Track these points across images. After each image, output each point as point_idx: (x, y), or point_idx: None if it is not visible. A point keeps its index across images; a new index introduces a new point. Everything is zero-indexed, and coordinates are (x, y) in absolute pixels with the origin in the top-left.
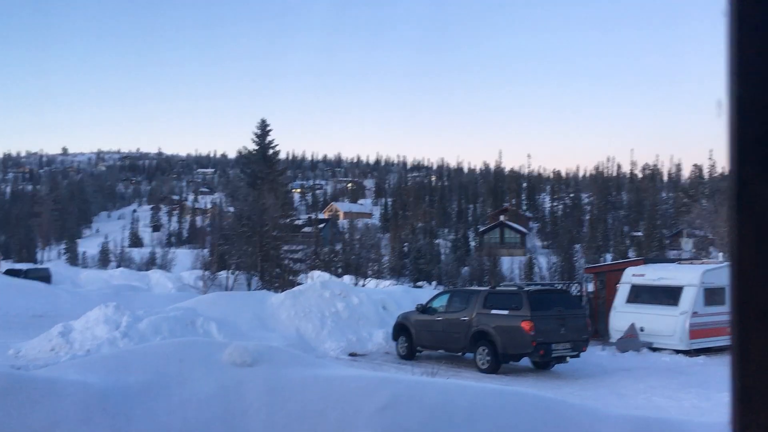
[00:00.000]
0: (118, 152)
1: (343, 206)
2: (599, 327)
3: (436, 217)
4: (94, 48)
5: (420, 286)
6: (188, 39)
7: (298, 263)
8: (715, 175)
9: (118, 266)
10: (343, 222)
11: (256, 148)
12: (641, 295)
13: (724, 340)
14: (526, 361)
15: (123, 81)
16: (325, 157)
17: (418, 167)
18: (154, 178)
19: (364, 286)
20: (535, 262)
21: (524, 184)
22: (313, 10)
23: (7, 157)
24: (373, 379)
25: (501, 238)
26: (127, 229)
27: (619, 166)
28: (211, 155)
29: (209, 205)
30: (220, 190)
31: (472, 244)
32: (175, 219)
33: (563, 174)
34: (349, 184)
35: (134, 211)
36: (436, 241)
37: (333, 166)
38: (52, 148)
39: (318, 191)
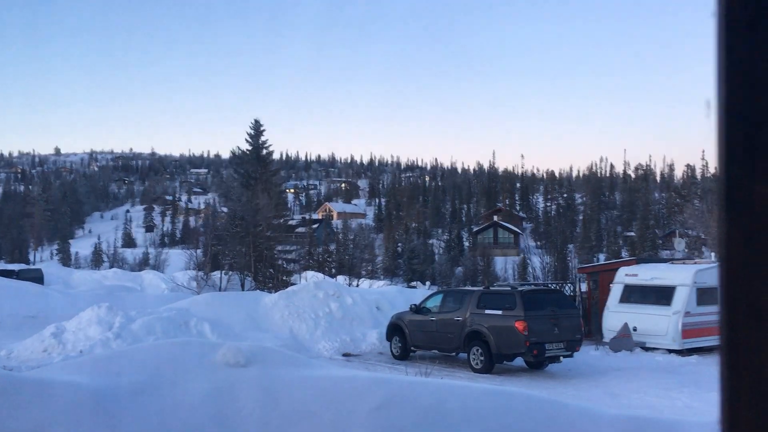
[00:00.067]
0: (111, 152)
1: (336, 206)
2: (592, 327)
3: (429, 218)
4: (86, 48)
5: (414, 286)
6: (181, 39)
7: (291, 263)
8: (708, 175)
9: (111, 267)
10: (336, 222)
11: (250, 148)
12: (634, 294)
13: (716, 340)
14: (519, 361)
15: (116, 81)
16: (318, 157)
17: (411, 167)
18: (147, 179)
19: (357, 286)
20: (528, 262)
21: (518, 185)
22: (306, 10)
23: None
24: (367, 379)
25: (494, 238)
26: (120, 230)
27: (612, 167)
28: (205, 155)
29: (202, 206)
30: (214, 190)
31: (466, 244)
32: (168, 219)
33: (557, 174)
34: (343, 185)
35: (127, 211)
36: (430, 241)
37: (326, 167)
38: (44, 149)
39: (311, 191)
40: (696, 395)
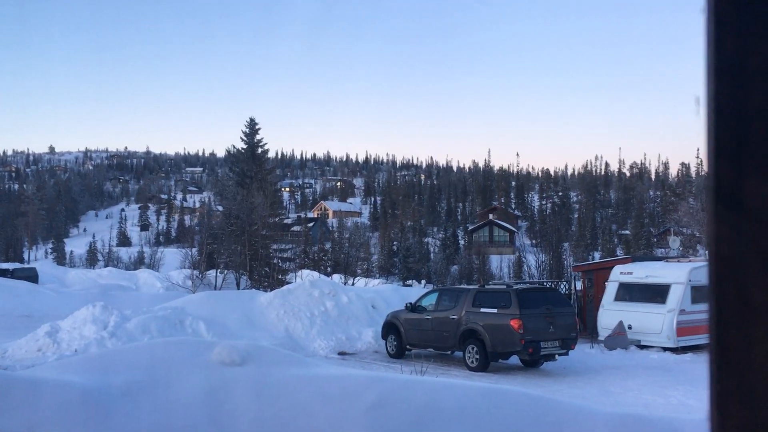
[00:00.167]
0: (106, 151)
1: (332, 205)
2: (588, 325)
3: (425, 216)
4: (80, 46)
5: (409, 285)
6: (177, 37)
7: (287, 262)
8: (702, 173)
9: (106, 266)
10: (332, 221)
11: (245, 146)
12: (629, 293)
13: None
14: (515, 360)
15: (110, 79)
16: (314, 155)
17: (407, 166)
18: (142, 177)
19: (353, 284)
20: (523, 260)
21: (513, 183)
22: (301, 9)
23: None
24: (363, 378)
25: (490, 236)
26: (115, 229)
27: (607, 165)
28: (200, 154)
29: (198, 204)
30: (209, 188)
31: (461, 242)
32: (163, 218)
33: (552, 172)
34: (339, 183)
35: (122, 210)
36: (426, 240)
37: (322, 165)
38: (38, 147)
39: (307, 190)
40: (690, 393)
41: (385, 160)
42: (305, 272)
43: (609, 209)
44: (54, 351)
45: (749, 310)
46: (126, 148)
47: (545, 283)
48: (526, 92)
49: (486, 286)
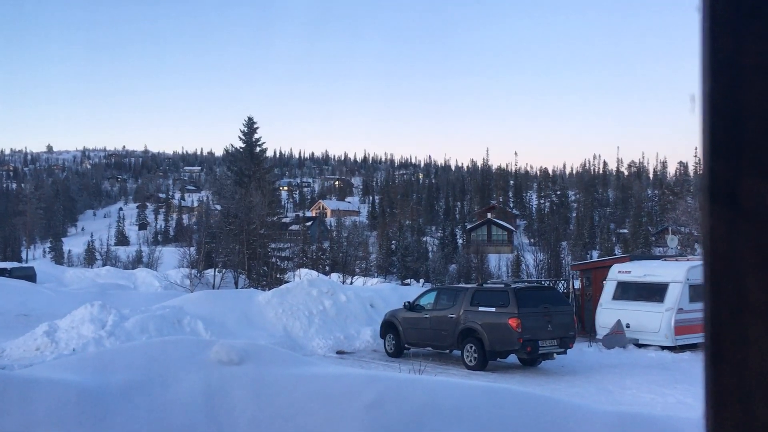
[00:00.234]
0: (104, 150)
1: (330, 204)
2: (586, 324)
3: (423, 215)
4: (78, 45)
5: (407, 284)
6: (175, 36)
7: (285, 261)
8: (700, 172)
9: (104, 265)
10: (330, 220)
11: (243, 145)
12: (627, 291)
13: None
14: (513, 358)
15: (108, 78)
16: (312, 154)
17: (405, 165)
18: (141, 176)
19: (351, 283)
20: (522, 259)
21: (511, 182)
22: (299, 7)
23: None
24: (361, 377)
25: (488, 235)
26: (113, 228)
27: (605, 164)
28: (198, 153)
29: (196, 203)
30: (207, 188)
31: (460, 241)
32: (161, 217)
33: (550, 171)
34: (337, 182)
35: (120, 209)
36: (424, 239)
37: (320, 164)
38: (36, 146)
39: (305, 189)
40: (688, 391)
41: (383, 159)
42: (303, 271)
43: (607, 208)
44: (52, 350)
45: (744, 309)
46: (124, 147)
47: (543, 282)
48: (524, 91)
49: (484, 285)
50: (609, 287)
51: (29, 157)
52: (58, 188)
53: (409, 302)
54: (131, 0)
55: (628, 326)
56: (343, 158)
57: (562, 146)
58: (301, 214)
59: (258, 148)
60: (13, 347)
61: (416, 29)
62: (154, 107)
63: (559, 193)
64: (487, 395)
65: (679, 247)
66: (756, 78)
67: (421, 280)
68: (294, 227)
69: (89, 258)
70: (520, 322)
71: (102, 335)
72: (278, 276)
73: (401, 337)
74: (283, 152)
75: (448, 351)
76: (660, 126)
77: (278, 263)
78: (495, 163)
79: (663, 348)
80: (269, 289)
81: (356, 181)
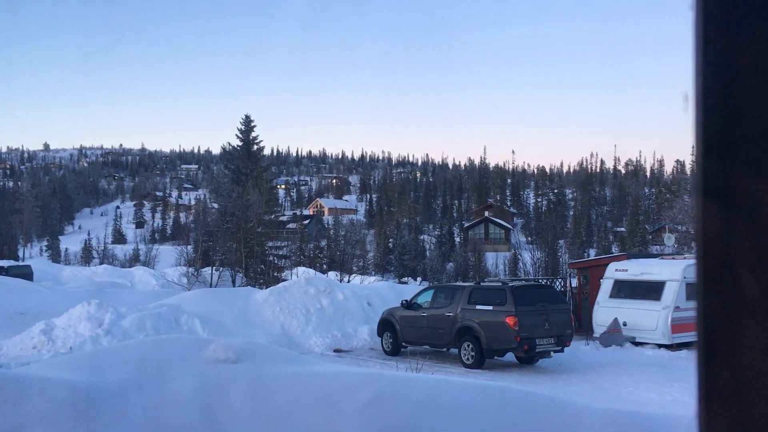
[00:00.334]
0: (101, 148)
1: (327, 202)
2: (583, 322)
3: (421, 213)
4: (75, 43)
5: (405, 282)
6: (172, 34)
7: (282, 259)
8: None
9: (101, 263)
10: (327, 218)
11: (240, 143)
12: (624, 290)
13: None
14: (510, 357)
15: (105, 76)
16: (309, 153)
17: (403, 163)
18: (138, 174)
19: (349, 282)
20: (519, 257)
21: (509, 180)
22: (296, 6)
23: None
24: (358, 375)
25: (486, 233)
26: (110, 226)
27: (602, 162)
28: (195, 151)
29: (193, 202)
30: (204, 186)
31: (457, 239)
32: (158, 215)
33: (547, 170)
34: (334, 180)
35: (117, 207)
36: (421, 237)
37: (318, 162)
38: (33, 144)
39: (303, 187)
40: (685, 390)
41: (380, 158)
42: (301, 269)
43: (604, 206)
44: (49, 349)
45: (737, 307)
46: (121, 145)
47: (541, 281)
48: (521, 90)
49: (481, 284)
50: (606, 285)
51: (26, 155)
52: (55, 186)
53: (406, 300)
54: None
55: (625, 324)
56: (340, 156)
57: (559, 145)
58: (298, 213)
59: (255, 147)
60: (10, 346)
61: (414, 28)
62: (151, 105)
63: (556, 191)
64: (484, 393)
65: (675, 246)
66: (749, 76)
67: (419, 279)
68: (291, 225)
69: (86, 256)
70: (518, 321)
71: (99, 334)
72: (276, 274)
73: (398, 336)
74: (280, 150)
75: (445, 349)
76: (657, 124)
77: (276, 261)
78: (492, 162)
79: (660, 346)
80: (267, 288)
81: (353, 179)
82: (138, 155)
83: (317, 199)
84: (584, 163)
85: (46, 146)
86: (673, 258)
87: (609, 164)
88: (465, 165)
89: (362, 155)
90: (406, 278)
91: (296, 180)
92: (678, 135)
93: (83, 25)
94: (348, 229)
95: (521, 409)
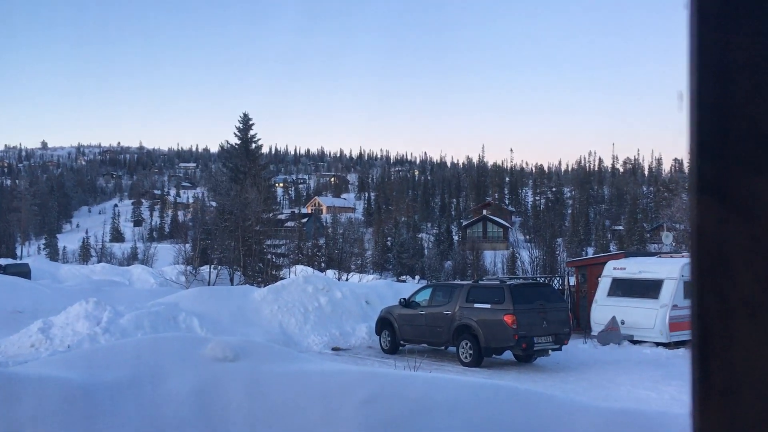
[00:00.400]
0: (99, 146)
1: (326, 200)
2: (581, 320)
3: (419, 212)
4: (72, 41)
5: (403, 281)
6: (170, 32)
7: (281, 258)
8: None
9: (99, 261)
10: (326, 216)
11: (239, 142)
12: (622, 288)
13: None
14: (508, 355)
15: (103, 74)
16: (308, 151)
17: (401, 161)
18: (136, 173)
19: (347, 280)
20: (517, 255)
21: (507, 179)
22: (294, 4)
23: None
24: (356, 373)
25: (484, 232)
26: (108, 224)
27: (600, 161)
28: (193, 149)
29: (191, 200)
30: (202, 184)
31: (455, 238)
32: (156, 214)
33: (545, 168)
34: (332, 179)
35: (115, 205)
36: (420, 236)
37: (316, 161)
38: (30, 142)
39: (301, 185)
40: (683, 388)
41: (378, 156)
42: (299, 268)
43: (602, 205)
44: (47, 347)
45: (732, 306)
46: (119, 143)
47: (539, 279)
48: (519, 88)
49: (479, 282)
50: (604, 284)
51: (24, 153)
52: (53, 185)
53: (404, 299)
54: None
55: (623, 323)
56: (338, 155)
57: (557, 143)
58: (296, 211)
59: (253, 145)
60: (7, 344)
61: (412, 26)
62: (149, 104)
63: (554, 189)
64: (482, 391)
65: (674, 244)
66: (743, 74)
67: (417, 277)
68: (289, 224)
69: (84, 254)
70: (516, 319)
71: (97, 332)
72: (274, 273)
73: (397, 334)
74: (278, 149)
75: (443, 348)
76: (655, 123)
77: (274, 260)
78: (490, 160)
79: (658, 344)
80: (265, 286)
81: (352, 177)
82: (136, 153)
83: (315, 197)
84: (582, 162)
85: (44, 144)
86: (671, 256)
87: (607, 163)
88: (463, 163)
89: (360, 153)
90: (404, 277)
91: (294, 178)
92: (676, 133)
93: (81, 23)
94: (346, 227)
95: (519, 407)
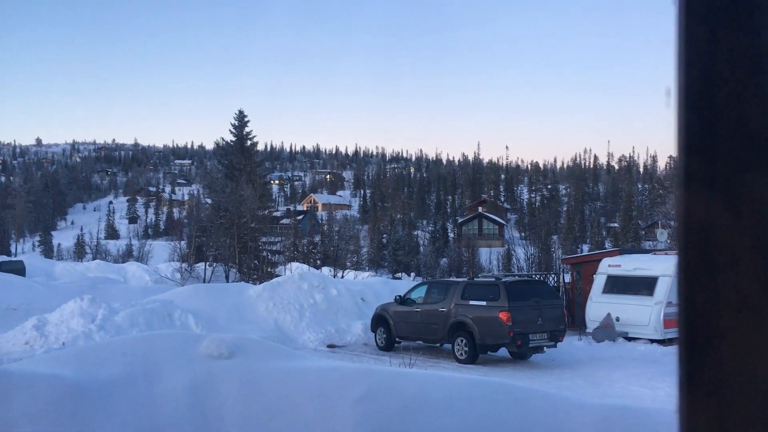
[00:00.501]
0: (94, 143)
1: (321, 198)
2: (576, 317)
3: (414, 209)
4: (68, 38)
5: (398, 278)
6: (165, 29)
7: (276, 255)
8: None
9: (94, 258)
10: (321, 213)
11: (234, 139)
12: (617, 285)
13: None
14: (503, 352)
15: (98, 71)
16: (303, 148)
17: (396, 158)
18: (131, 170)
19: (342, 277)
20: (512, 253)
21: (502, 176)
22: (290, 1)
23: None
24: (352, 370)
25: (479, 229)
26: (103, 221)
27: (596, 158)
28: (189, 146)
29: (186, 197)
30: (198, 181)
31: (451, 235)
32: (151, 211)
33: (541, 165)
34: (328, 176)
35: (110, 202)
36: (415, 233)
37: (311, 158)
38: (25, 139)
39: (296, 183)
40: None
41: (374, 153)
42: (294, 265)
43: (597, 202)
44: (42, 344)
45: (719, 302)
46: (114, 140)
47: (534, 276)
48: (515, 85)
49: (475, 279)
50: (599, 281)
51: (18, 150)
52: (48, 181)
53: (400, 296)
54: None
55: (617, 320)
56: (334, 152)
57: (552, 140)
58: (292, 208)
59: (249, 142)
60: (2, 341)
61: (408, 23)
62: (144, 100)
63: (549, 187)
64: (478, 388)
65: (668, 241)
66: (731, 70)
67: (412, 274)
68: (285, 221)
69: (79, 252)
70: (511, 316)
71: (92, 329)
72: (269, 270)
73: (392, 331)
74: (274, 146)
75: (438, 345)
76: (650, 120)
77: (269, 257)
78: (486, 157)
79: (652, 341)
80: (260, 283)
81: (347, 174)
82: (131, 150)
83: (311, 194)
84: (578, 159)
85: (39, 141)
86: (666, 253)
87: (602, 160)
88: (459, 161)
89: (356, 151)
90: (399, 274)
91: (290, 175)
92: (671, 131)
93: (76, 19)
94: (342, 224)
95: (514, 403)
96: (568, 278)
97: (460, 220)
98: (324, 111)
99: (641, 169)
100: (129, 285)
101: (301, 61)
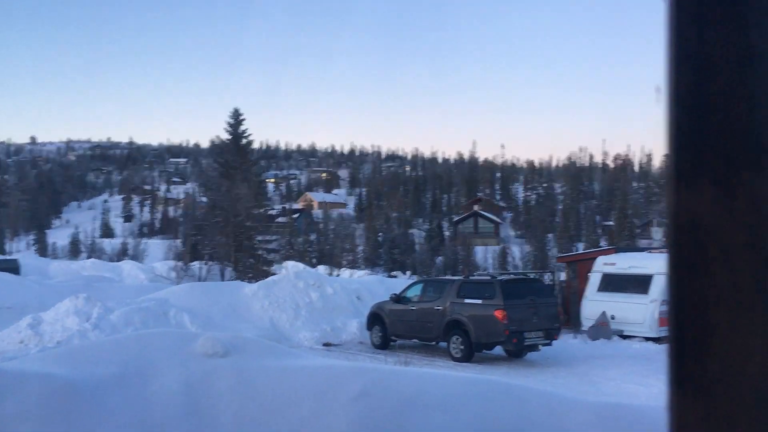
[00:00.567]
0: (88, 141)
1: (317, 196)
2: (571, 315)
3: (410, 207)
4: (62, 35)
5: (394, 276)
6: (160, 26)
7: (272, 253)
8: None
9: (89, 257)
10: (317, 212)
11: (229, 137)
12: (612, 283)
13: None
14: (499, 350)
15: (92, 69)
16: (299, 147)
17: (392, 157)
18: (126, 168)
19: (338, 276)
20: (508, 251)
21: (498, 174)
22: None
23: None
24: (347, 368)
25: (475, 227)
26: (98, 220)
27: (591, 156)
28: (184, 145)
29: (182, 196)
30: (193, 180)
31: (447, 233)
32: (147, 209)
33: (536, 164)
34: (324, 174)
35: (105, 201)
36: (411, 231)
37: (307, 156)
38: (19, 137)
39: (292, 181)
40: None
41: (370, 152)
42: (290, 263)
43: (593, 200)
44: (36, 343)
45: (708, 299)
46: (109, 138)
47: (529, 274)
48: (511, 84)
49: (470, 277)
50: (594, 279)
51: (12, 148)
52: (42, 180)
53: (395, 294)
54: None
55: (612, 318)
56: (330, 151)
57: (548, 139)
58: (287, 207)
59: (244, 140)
60: None
61: (404, 22)
62: (139, 99)
63: (545, 185)
64: (473, 386)
65: (664, 239)
66: (721, 68)
67: (408, 273)
68: (281, 219)
69: (74, 250)
70: (506, 314)
71: (87, 328)
72: (265, 268)
73: (388, 329)
74: (269, 144)
75: (434, 343)
76: (646, 119)
77: (265, 255)
78: (482, 156)
79: (647, 339)
80: (256, 282)
81: (343, 173)
82: (126, 149)
83: (307, 193)
84: (573, 158)
85: (33, 139)
86: (661, 252)
87: (598, 158)
88: (454, 159)
89: (352, 149)
90: (395, 272)
91: (285, 174)
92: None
93: (70, 16)
94: (337, 223)
95: (510, 402)
96: (563, 276)
97: (455, 219)
98: (320, 109)
99: (636, 168)
100: (124, 284)
101: (296, 59)
